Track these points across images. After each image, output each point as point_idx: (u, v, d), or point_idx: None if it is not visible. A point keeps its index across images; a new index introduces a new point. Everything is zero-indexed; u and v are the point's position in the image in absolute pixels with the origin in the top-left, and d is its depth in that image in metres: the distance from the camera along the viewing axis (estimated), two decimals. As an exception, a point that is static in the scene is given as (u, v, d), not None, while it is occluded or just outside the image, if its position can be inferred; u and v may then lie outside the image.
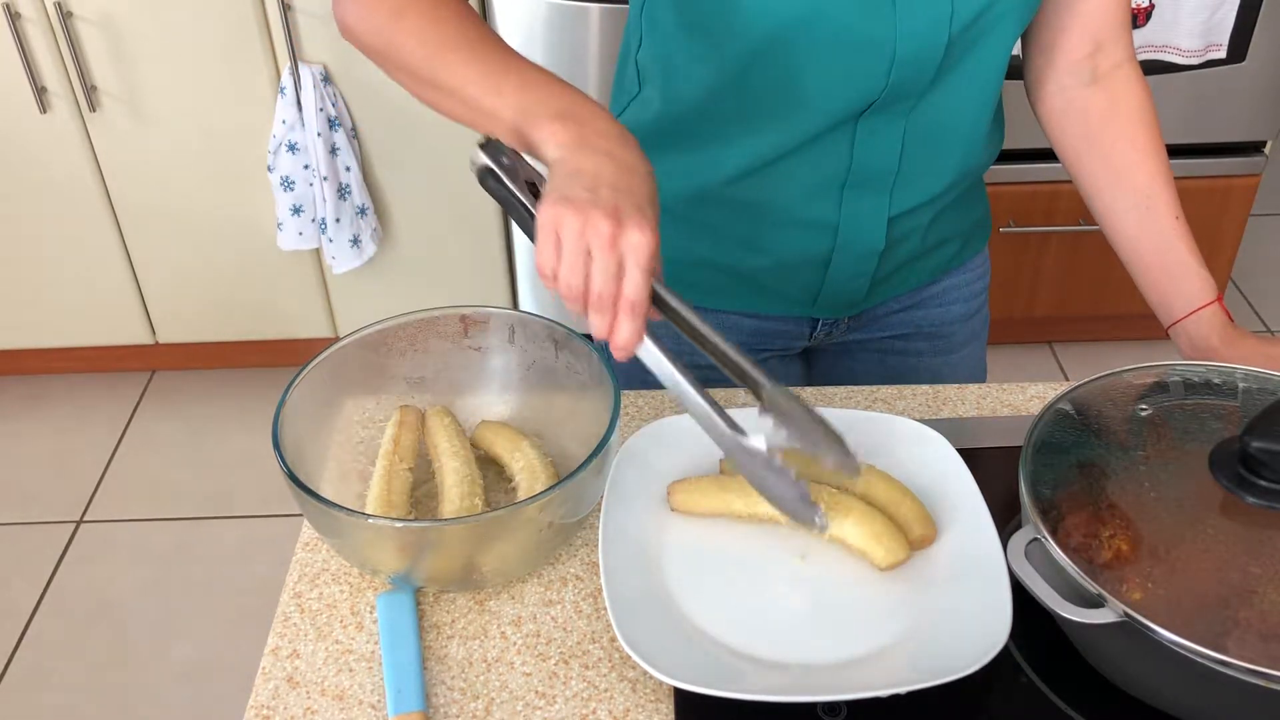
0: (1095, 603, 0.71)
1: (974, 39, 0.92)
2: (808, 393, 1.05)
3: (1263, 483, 0.76)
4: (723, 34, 0.92)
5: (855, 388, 1.06)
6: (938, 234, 1.08)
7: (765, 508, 0.86)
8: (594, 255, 0.70)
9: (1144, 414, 0.86)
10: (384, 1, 0.85)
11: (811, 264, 1.04)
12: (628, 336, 0.72)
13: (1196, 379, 0.89)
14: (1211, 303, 0.99)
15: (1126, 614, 0.70)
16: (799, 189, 0.99)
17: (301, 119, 2.08)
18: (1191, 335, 1.00)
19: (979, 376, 1.23)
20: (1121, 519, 0.78)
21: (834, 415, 0.95)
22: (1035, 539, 0.76)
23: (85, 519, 2.24)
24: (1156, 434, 0.85)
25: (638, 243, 0.70)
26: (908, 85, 0.93)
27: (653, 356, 0.75)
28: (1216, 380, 0.89)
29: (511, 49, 0.83)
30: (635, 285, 0.71)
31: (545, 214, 0.71)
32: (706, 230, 1.04)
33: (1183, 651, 0.68)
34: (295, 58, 2.03)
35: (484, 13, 2.04)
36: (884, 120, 0.95)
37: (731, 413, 0.77)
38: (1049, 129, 1.06)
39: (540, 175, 0.78)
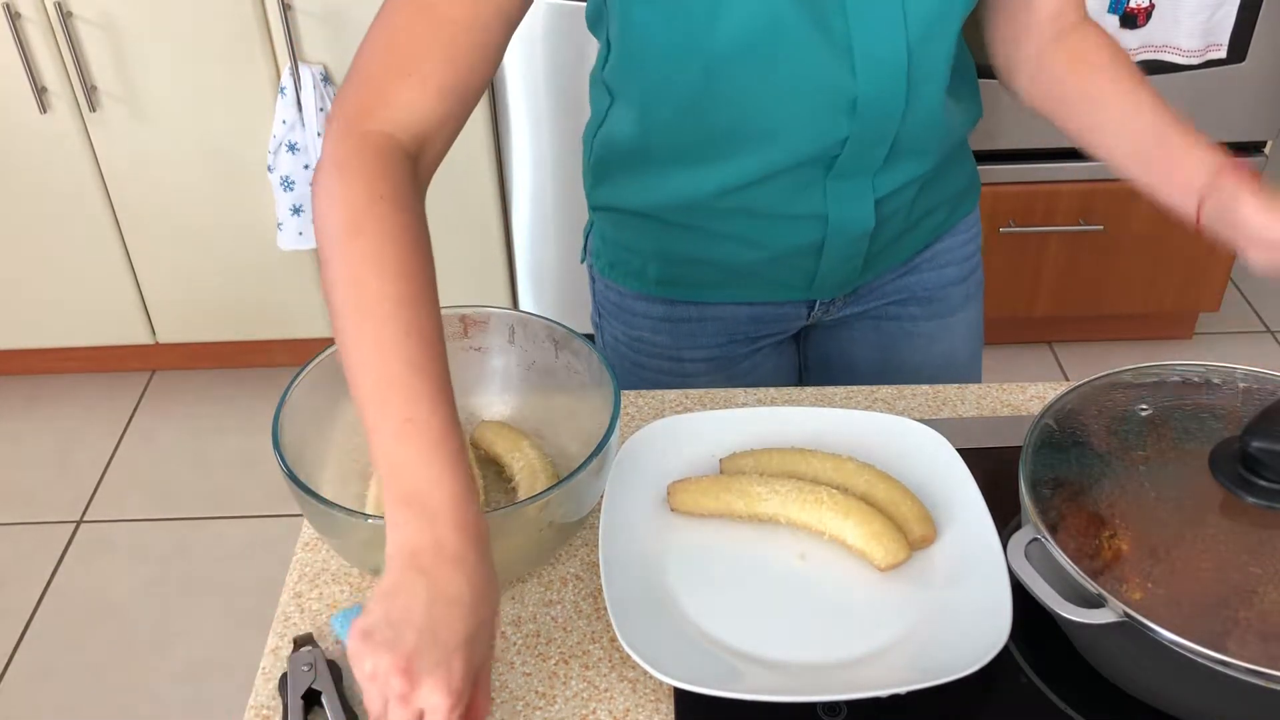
0: (1095, 603, 0.71)
1: (928, 61, 0.93)
2: (807, 394, 1.05)
3: (1263, 483, 0.76)
4: (675, 65, 0.92)
5: (855, 387, 1.06)
6: (925, 205, 1.08)
7: (765, 508, 0.86)
8: (390, 711, 0.63)
9: (1144, 414, 0.86)
10: (349, 206, 0.74)
11: (805, 252, 1.05)
12: None
13: (1196, 379, 0.89)
14: (1226, 166, 0.90)
15: (1126, 614, 0.70)
16: (785, 191, 0.99)
17: (301, 119, 2.08)
18: (1221, 206, 0.90)
19: (976, 340, 1.23)
20: (1121, 519, 0.78)
21: (834, 415, 0.96)
22: (1035, 539, 0.76)
23: (85, 519, 2.24)
24: (1156, 434, 0.85)
25: (435, 705, 0.63)
26: (878, 125, 0.94)
27: None
28: (1216, 380, 0.89)
29: (434, 352, 0.71)
30: None
31: (350, 644, 0.65)
32: (698, 232, 1.04)
33: (1183, 651, 0.68)
34: (295, 58, 2.03)
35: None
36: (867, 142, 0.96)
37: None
38: (1033, 105, 1.04)
39: (327, 687, 0.77)
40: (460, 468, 0.68)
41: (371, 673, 0.63)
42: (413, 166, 0.79)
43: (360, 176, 0.76)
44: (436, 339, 0.72)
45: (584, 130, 1.08)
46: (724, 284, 1.09)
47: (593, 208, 1.12)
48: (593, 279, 1.17)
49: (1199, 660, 0.68)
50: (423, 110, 0.79)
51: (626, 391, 1.05)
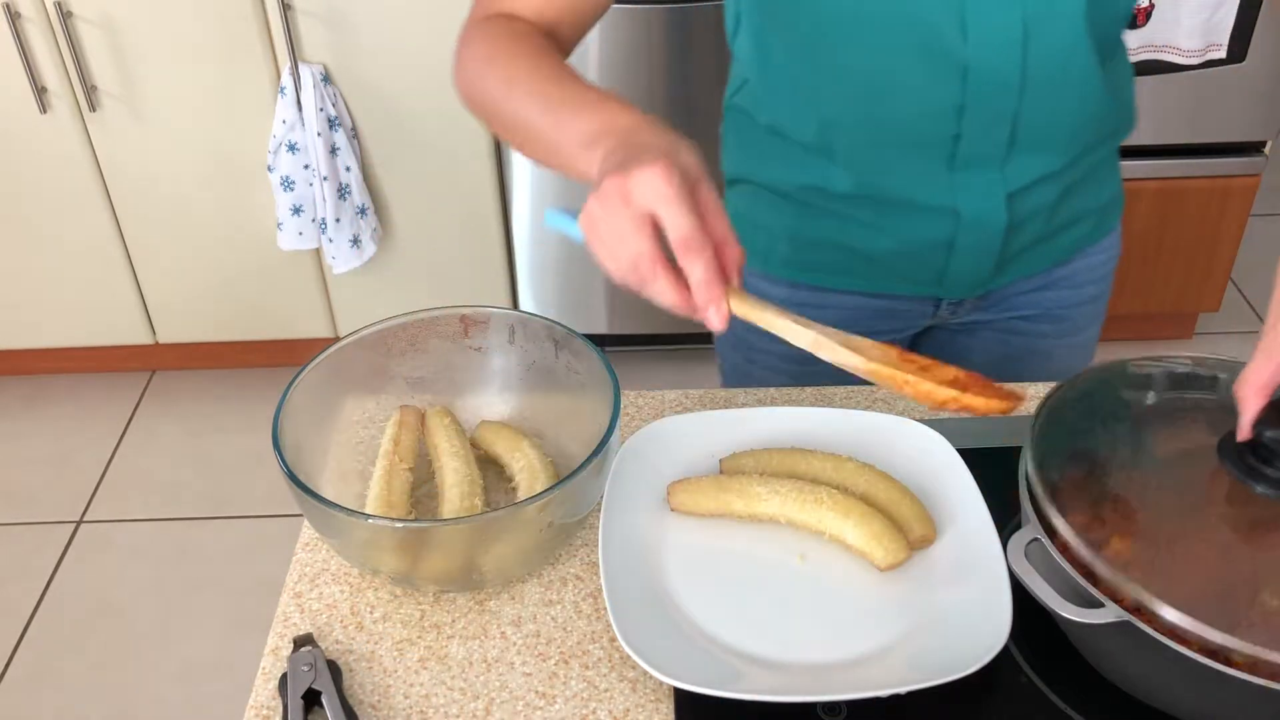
0: (1095, 603, 0.71)
1: (1048, 38, 0.91)
2: (807, 394, 1.05)
3: (1273, 472, 0.75)
4: (784, 30, 0.93)
5: (855, 387, 1.06)
6: (1069, 212, 1.06)
7: (765, 508, 0.86)
8: (616, 223, 0.66)
9: (1143, 412, 0.86)
10: (479, 52, 0.87)
11: (935, 246, 1.03)
12: (704, 291, 0.67)
13: (1191, 371, 0.89)
14: None
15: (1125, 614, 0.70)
16: (908, 178, 0.98)
17: (301, 119, 2.08)
18: None
19: (1090, 358, 1.20)
20: (1121, 518, 0.77)
21: (834, 415, 0.96)
22: (1035, 539, 0.76)
23: (85, 519, 2.24)
24: (1155, 431, 0.85)
25: (649, 178, 0.65)
26: (992, 99, 0.93)
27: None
28: (1210, 373, 0.88)
29: (580, 81, 0.81)
30: (675, 224, 0.65)
31: (580, 226, 0.70)
32: (827, 214, 1.04)
33: (1181, 651, 0.68)
34: (295, 58, 2.03)
35: (484, 13, 2.04)
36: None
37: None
38: None
39: (327, 687, 0.78)
40: (632, 109, 0.76)
41: (597, 209, 0.67)
42: (539, 30, 0.89)
43: (480, 34, 0.88)
44: (582, 80, 0.82)
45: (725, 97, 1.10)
46: (851, 271, 1.08)
47: (727, 180, 1.13)
48: None
49: (1198, 661, 0.68)
50: (540, 4, 0.90)
51: (626, 391, 1.05)
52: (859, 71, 0.94)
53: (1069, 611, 0.71)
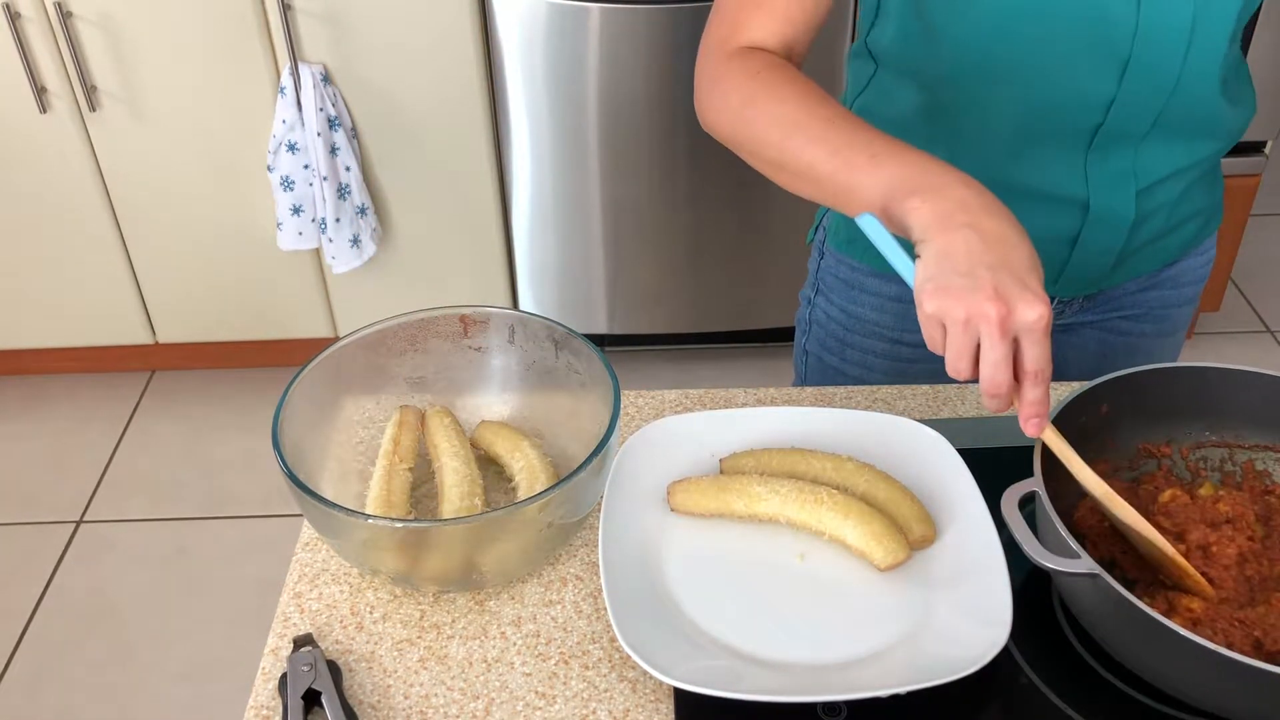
0: (1073, 555, 0.71)
1: (1207, 32, 0.91)
2: (807, 393, 1.05)
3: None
4: (951, 18, 0.93)
5: (855, 387, 1.06)
6: (1185, 209, 1.06)
7: (765, 508, 0.86)
8: (984, 344, 0.69)
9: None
10: (737, 89, 0.89)
11: (1059, 241, 1.03)
12: (1035, 408, 0.72)
13: (1199, 379, 0.89)
14: None
15: (1095, 567, 0.70)
16: (1044, 167, 0.98)
17: (301, 119, 2.08)
18: None
19: (1175, 358, 1.21)
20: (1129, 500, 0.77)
21: (835, 415, 0.96)
22: (1032, 491, 0.76)
23: (85, 519, 2.24)
24: (1168, 431, 0.84)
25: (1031, 321, 0.69)
26: (1146, 94, 0.92)
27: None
28: (1218, 380, 0.88)
29: (859, 121, 0.83)
30: (1035, 356, 0.70)
31: (926, 306, 0.71)
32: None
33: (1141, 609, 0.68)
34: (295, 58, 2.03)
35: (483, 13, 2.04)
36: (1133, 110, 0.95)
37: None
38: None
39: (327, 687, 0.77)
40: (934, 159, 0.78)
41: (965, 317, 0.69)
42: (785, 61, 0.90)
43: (735, 72, 0.89)
44: (853, 116, 0.84)
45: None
46: None
47: None
48: (821, 255, 1.18)
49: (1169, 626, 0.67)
50: (776, 31, 0.91)
51: (626, 391, 1.05)
52: (1018, 59, 0.93)
53: (1045, 559, 0.72)
